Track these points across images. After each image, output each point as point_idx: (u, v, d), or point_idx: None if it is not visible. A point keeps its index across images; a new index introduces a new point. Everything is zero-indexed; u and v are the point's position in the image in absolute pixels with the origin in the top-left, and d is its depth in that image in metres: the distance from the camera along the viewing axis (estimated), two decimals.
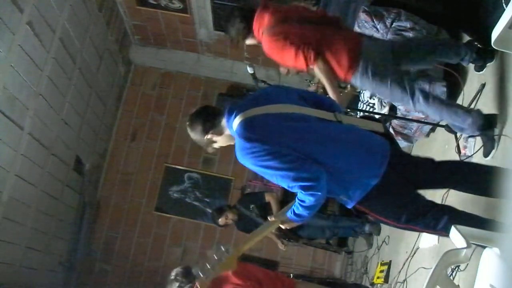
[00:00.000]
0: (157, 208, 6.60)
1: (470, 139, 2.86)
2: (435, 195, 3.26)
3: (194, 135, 2.30)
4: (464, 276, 2.40)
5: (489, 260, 1.92)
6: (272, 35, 2.85)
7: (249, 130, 2.08)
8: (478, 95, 2.88)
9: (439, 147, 3.38)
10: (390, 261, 3.96)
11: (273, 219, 2.28)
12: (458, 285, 2.16)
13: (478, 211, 2.58)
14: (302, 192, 2.02)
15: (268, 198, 4.90)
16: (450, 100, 3.04)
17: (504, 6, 2.20)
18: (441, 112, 2.69)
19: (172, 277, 2.96)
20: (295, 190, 2.05)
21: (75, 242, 6.00)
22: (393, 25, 3.22)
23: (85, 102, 5.81)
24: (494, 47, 2.11)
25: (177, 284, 2.93)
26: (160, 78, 7.00)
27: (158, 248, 6.47)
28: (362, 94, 3.76)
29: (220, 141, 2.30)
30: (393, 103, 3.40)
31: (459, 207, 2.86)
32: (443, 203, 3.04)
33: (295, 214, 2.15)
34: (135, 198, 6.64)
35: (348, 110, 3.48)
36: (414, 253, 3.38)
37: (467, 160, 2.81)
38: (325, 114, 2.17)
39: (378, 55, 2.82)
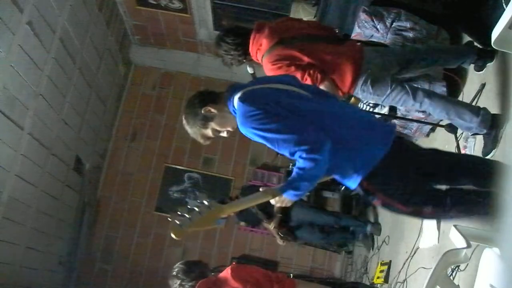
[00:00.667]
0: (157, 208, 6.60)
1: (470, 139, 2.86)
2: None
3: (190, 112, 2.20)
4: (464, 276, 2.40)
5: (489, 260, 1.92)
6: (274, 61, 2.79)
7: (251, 97, 2.05)
8: (478, 95, 2.88)
9: (439, 147, 3.38)
10: (390, 261, 3.96)
11: (264, 190, 2.17)
12: (458, 285, 2.16)
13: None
14: (304, 156, 1.92)
15: None
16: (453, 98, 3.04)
17: (504, 6, 2.20)
18: (448, 111, 2.68)
19: (174, 274, 2.95)
20: (296, 156, 1.95)
21: (75, 242, 6.00)
22: (393, 25, 3.21)
23: (85, 102, 5.81)
24: (494, 47, 2.11)
25: (178, 281, 2.92)
26: (160, 78, 7.01)
27: (158, 248, 6.47)
28: None
29: (217, 119, 2.18)
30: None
31: None
32: None
33: (289, 185, 2.03)
34: (135, 198, 6.64)
35: None
36: (414, 253, 3.38)
37: None
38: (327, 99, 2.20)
39: (379, 66, 2.82)
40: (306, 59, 2.76)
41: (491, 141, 2.59)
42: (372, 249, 4.67)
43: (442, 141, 3.32)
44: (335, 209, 5.94)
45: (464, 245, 1.87)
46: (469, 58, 2.90)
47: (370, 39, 3.31)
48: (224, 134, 2.26)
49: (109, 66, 6.31)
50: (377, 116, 3.29)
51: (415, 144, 2.44)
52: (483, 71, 2.92)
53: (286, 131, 1.96)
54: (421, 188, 2.08)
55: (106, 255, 6.46)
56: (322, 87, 2.74)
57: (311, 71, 2.73)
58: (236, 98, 2.10)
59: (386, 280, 3.88)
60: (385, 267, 3.97)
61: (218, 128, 2.22)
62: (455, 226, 1.99)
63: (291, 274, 5.12)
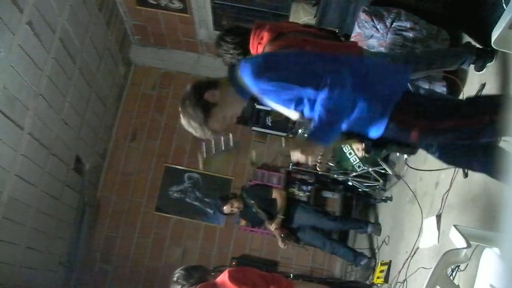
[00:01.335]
0: (157, 208, 6.60)
1: None
2: (434, 195, 3.27)
3: (189, 104, 2.00)
4: (464, 276, 2.40)
5: (489, 260, 1.92)
6: (275, 49, 2.78)
7: (255, 56, 2.00)
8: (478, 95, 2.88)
9: None
10: (390, 261, 3.97)
11: (288, 140, 2.08)
12: (458, 285, 2.16)
13: (478, 211, 2.58)
14: (327, 87, 1.82)
15: (275, 195, 4.83)
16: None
17: (504, 6, 2.20)
18: None
19: (174, 280, 2.98)
20: (323, 93, 1.84)
21: (75, 242, 6.00)
22: (393, 25, 3.21)
23: (85, 102, 5.81)
24: (494, 47, 2.12)
25: (179, 287, 2.95)
26: (160, 78, 7.00)
27: (158, 248, 6.47)
28: None
29: (221, 103, 2.00)
30: None
31: (459, 206, 2.87)
32: (443, 204, 3.06)
33: (316, 126, 1.88)
34: (135, 198, 6.64)
35: None
36: (414, 253, 3.38)
37: None
38: None
39: None
40: (308, 48, 2.76)
41: None
42: (368, 280, 4.47)
43: None
44: (335, 209, 5.94)
45: (464, 245, 1.87)
46: (468, 59, 2.90)
47: (370, 40, 3.32)
48: (233, 121, 2.08)
49: (109, 66, 6.31)
50: None
51: None
52: (483, 71, 2.92)
53: (305, 64, 1.86)
54: (451, 99, 2.02)
55: (106, 255, 6.45)
56: None
57: None
58: (237, 66, 1.97)
59: (386, 280, 3.88)
60: (385, 267, 3.97)
61: (224, 113, 2.02)
62: (455, 226, 1.99)
63: (291, 274, 5.13)
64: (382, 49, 3.25)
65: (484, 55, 2.86)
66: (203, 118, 1.99)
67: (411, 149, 3.83)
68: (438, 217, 3.10)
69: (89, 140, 6.12)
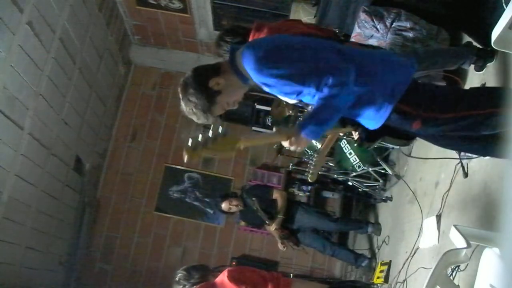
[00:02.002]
0: (157, 208, 6.61)
1: None
2: (434, 195, 3.26)
3: (193, 91, 1.96)
4: (464, 276, 2.40)
5: (489, 260, 1.92)
6: None
7: (257, 41, 1.96)
8: None
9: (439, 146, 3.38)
10: (390, 261, 3.96)
11: (283, 131, 2.00)
12: (458, 285, 2.16)
13: (478, 211, 2.58)
14: (330, 82, 1.81)
15: (276, 195, 4.81)
16: None
17: (504, 6, 2.20)
18: None
19: (176, 280, 3.02)
20: (322, 86, 1.84)
21: (75, 242, 6.00)
22: (393, 25, 3.21)
23: (85, 102, 5.81)
24: (494, 47, 2.11)
25: (180, 287, 2.98)
26: (160, 78, 7.01)
27: (158, 248, 6.47)
28: None
29: (226, 88, 1.97)
30: None
31: (459, 206, 2.87)
32: (443, 204, 3.06)
33: (311, 118, 1.89)
34: (135, 198, 6.64)
35: None
36: (414, 253, 3.38)
37: (466, 158, 2.81)
38: None
39: None
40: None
41: None
42: (368, 279, 4.50)
43: None
44: (335, 209, 5.94)
45: (464, 245, 1.87)
46: (468, 59, 2.90)
47: (370, 40, 3.31)
48: (235, 106, 2.07)
49: (109, 66, 6.31)
50: None
51: None
52: (483, 71, 2.92)
53: (307, 60, 1.86)
54: (454, 91, 2.03)
55: (106, 255, 6.46)
56: None
57: None
58: (239, 53, 1.95)
59: (386, 280, 3.88)
60: (385, 267, 3.97)
61: (228, 100, 2.02)
62: (455, 226, 1.99)
63: (291, 274, 5.13)
64: None
65: (484, 55, 2.86)
66: (208, 106, 1.97)
67: (406, 141, 3.86)
68: (438, 217, 3.10)
69: (89, 140, 6.12)
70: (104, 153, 6.71)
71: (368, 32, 3.29)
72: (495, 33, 2.04)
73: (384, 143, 4.04)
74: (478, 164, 2.71)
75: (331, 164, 4.71)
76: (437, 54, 3.04)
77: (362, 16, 3.27)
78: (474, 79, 3.02)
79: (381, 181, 4.58)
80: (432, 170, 3.43)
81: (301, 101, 2.02)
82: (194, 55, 6.79)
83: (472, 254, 2.13)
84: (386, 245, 4.26)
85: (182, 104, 2.03)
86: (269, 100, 5.33)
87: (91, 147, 6.21)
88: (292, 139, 1.93)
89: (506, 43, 2.06)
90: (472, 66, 2.97)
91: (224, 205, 4.74)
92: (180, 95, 2.04)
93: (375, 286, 4.05)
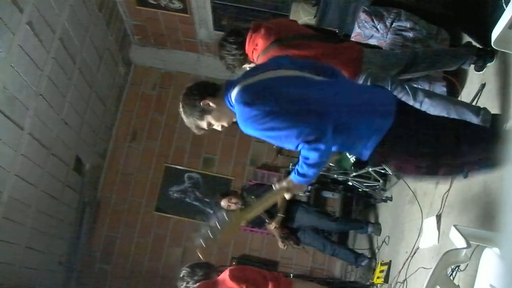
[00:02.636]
0: (157, 208, 6.61)
1: None
2: (434, 195, 3.26)
3: (188, 102, 2.18)
4: (464, 276, 2.40)
5: (489, 260, 1.91)
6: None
7: (248, 95, 2.04)
8: (478, 95, 2.88)
9: None
10: (390, 261, 3.96)
11: (277, 186, 2.17)
12: (458, 285, 2.16)
13: (478, 210, 2.58)
14: (306, 147, 1.96)
15: None
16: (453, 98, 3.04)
17: (504, 6, 2.20)
18: (449, 111, 2.67)
19: (180, 276, 3.08)
20: (300, 148, 1.99)
21: (75, 242, 6.00)
22: (393, 25, 3.21)
23: (85, 102, 5.81)
24: (494, 47, 2.11)
25: (184, 283, 3.03)
26: (160, 78, 7.01)
27: (158, 248, 6.47)
28: None
29: (215, 113, 2.17)
30: None
31: (459, 206, 2.87)
32: (443, 204, 3.06)
33: (299, 173, 2.07)
34: (135, 198, 6.64)
35: None
36: (414, 253, 3.38)
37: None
38: (326, 78, 2.19)
39: (379, 66, 2.82)
40: (304, 54, 2.76)
41: None
42: (368, 280, 4.50)
43: None
44: (335, 209, 5.94)
45: (464, 245, 1.87)
46: (468, 59, 2.90)
47: (370, 40, 3.31)
48: (218, 128, 2.26)
49: (109, 66, 6.31)
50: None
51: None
52: (483, 71, 2.92)
53: (287, 127, 1.98)
54: (433, 140, 2.05)
55: (106, 255, 6.46)
56: None
57: None
58: (233, 94, 2.08)
59: (386, 280, 3.87)
60: (385, 267, 3.97)
61: (214, 122, 2.22)
62: (455, 226, 1.99)
63: (291, 274, 5.13)
64: None
65: (484, 55, 2.86)
66: (197, 120, 2.20)
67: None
68: (438, 217, 3.10)
69: (89, 140, 6.12)
70: (104, 153, 6.72)
71: (368, 32, 3.29)
72: (495, 33, 2.04)
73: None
74: None
75: (331, 164, 4.70)
76: (437, 54, 3.04)
77: (362, 16, 3.27)
78: (474, 79, 3.02)
79: (381, 181, 4.58)
80: None
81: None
82: (194, 55, 6.79)
83: (472, 254, 2.13)
84: (386, 245, 4.25)
85: (180, 107, 2.24)
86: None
87: (91, 147, 6.21)
88: (290, 188, 2.13)
89: (506, 43, 2.06)
90: (472, 66, 2.97)
91: (223, 203, 4.75)
92: (180, 102, 2.23)
93: (375, 287, 4.05)
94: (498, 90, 2.69)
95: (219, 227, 1.97)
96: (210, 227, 1.98)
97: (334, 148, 2.06)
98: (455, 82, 3.13)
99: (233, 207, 4.79)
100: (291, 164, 5.48)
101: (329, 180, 5.49)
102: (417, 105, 2.75)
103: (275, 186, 2.19)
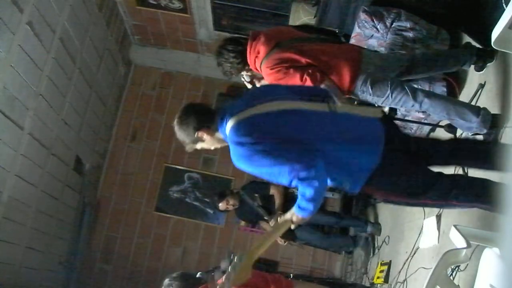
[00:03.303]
0: (157, 208, 6.60)
1: None
2: None
3: (184, 129, 2.24)
4: (464, 276, 2.40)
5: (489, 260, 1.92)
6: (272, 66, 2.79)
7: (240, 135, 2.09)
8: (478, 95, 2.88)
9: None
10: (390, 261, 3.97)
11: (283, 219, 2.27)
12: (458, 285, 2.17)
13: (478, 211, 2.58)
14: (301, 184, 2.02)
15: (272, 190, 4.88)
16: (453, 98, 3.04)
17: (504, 6, 2.20)
18: (449, 111, 2.68)
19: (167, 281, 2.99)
20: (295, 183, 2.04)
21: (75, 242, 6.00)
22: (393, 25, 3.22)
23: (85, 102, 5.81)
24: (494, 47, 2.11)
25: None
26: (160, 78, 7.00)
27: (158, 248, 6.47)
28: None
29: (208, 142, 2.27)
30: None
31: None
32: None
33: (300, 208, 2.14)
34: (135, 198, 6.64)
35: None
36: (414, 253, 3.38)
37: None
38: (318, 106, 2.19)
39: (379, 67, 2.82)
40: (304, 60, 2.77)
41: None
42: (373, 254, 4.62)
43: None
44: (335, 209, 5.94)
45: (464, 245, 1.87)
46: (468, 60, 2.91)
47: (370, 40, 3.32)
48: (211, 148, 2.34)
49: (109, 66, 6.31)
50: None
51: (409, 137, 2.57)
52: (483, 71, 2.92)
53: (278, 164, 2.04)
54: (422, 177, 2.13)
55: (106, 255, 6.46)
56: (322, 86, 2.74)
57: (310, 71, 2.74)
58: (228, 127, 2.13)
59: (386, 280, 3.88)
60: (385, 267, 3.97)
61: (206, 147, 2.31)
62: (455, 226, 1.99)
63: (291, 274, 5.13)
64: (382, 49, 3.25)
65: (484, 55, 2.86)
66: (191, 143, 2.27)
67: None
68: (438, 217, 3.10)
69: (89, 140, 6.12)
70: (104, 153, 6.71)
71: (368, 32, 3.29)
72: (495, 33, 2.04)
73: None
74: None
75: None
76: (437, 56, 3.04)
77: (362, 16, 3.27)
78: (474, 79, 3.02)
79: None
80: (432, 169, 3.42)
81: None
82: (194, 55, 6.79)
83: (472, 254, 2.13)
84: (386, 245, 4.26)
85: (175, 124, 2.28)
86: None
87: (91, 147, 6.21)
88: (294, 219, 2.21)
89: (506, 43, 2.06)
90: (472, 66, 2.97)
91: (222, 205, 4.83)
92: (175, 121, 2.28)
93: (375, 287, 4.05)
94: (498, 90, 2.69)
95: (232, 270, 2.02)
96: (227, 272, 2.04)
97: (329, 183, 2.13)
98: (454, 84, 3.13)
99: (231, 208, 4.84)
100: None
101: None
102: (417, 106, 2.75)
103: (280, 220, 2.29)
